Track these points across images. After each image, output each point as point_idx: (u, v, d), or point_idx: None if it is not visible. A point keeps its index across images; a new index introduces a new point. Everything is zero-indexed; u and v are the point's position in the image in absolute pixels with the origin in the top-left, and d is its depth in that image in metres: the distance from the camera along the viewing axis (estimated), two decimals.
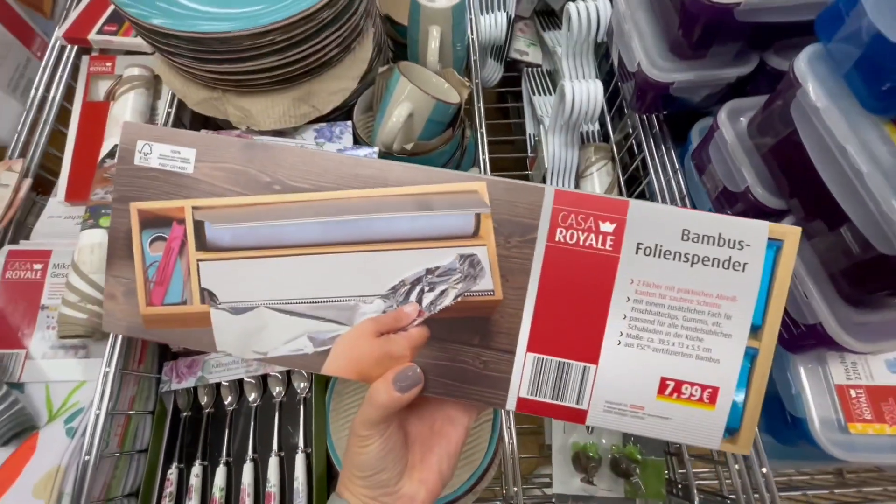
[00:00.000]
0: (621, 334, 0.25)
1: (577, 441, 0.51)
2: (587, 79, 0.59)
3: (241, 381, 0.49)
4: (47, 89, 0.57)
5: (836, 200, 0.34)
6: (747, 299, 0.24)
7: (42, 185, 0.55)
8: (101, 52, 0.58)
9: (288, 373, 0.49)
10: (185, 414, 0.49)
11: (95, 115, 0.54)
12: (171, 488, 0.45)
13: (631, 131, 0.61)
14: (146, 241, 0.28)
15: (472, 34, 0.60)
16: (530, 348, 0.26)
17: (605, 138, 0.68)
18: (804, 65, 0.35)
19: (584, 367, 0.26)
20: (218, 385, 0.49)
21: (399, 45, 0.63)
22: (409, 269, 0.27)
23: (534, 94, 0.74)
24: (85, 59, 0.57)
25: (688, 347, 0.25)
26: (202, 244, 0.28)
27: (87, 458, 0.39)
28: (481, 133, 0.54)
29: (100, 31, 0.56)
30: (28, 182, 0.51)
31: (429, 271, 0.27)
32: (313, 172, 0.27)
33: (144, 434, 0.48)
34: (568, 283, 0.25)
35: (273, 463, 0.45)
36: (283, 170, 0.27)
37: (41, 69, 0.57)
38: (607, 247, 0.25)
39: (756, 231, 0.24)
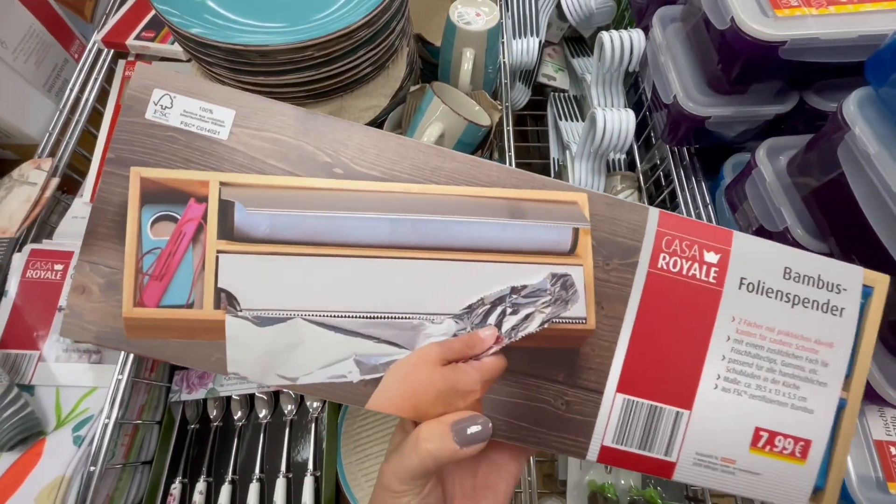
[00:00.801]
0: (719, 377, 0.23)
1: (594, 480, 0.49)
2: (618, 107, 0.58)
3: (251, 396, 0.48)
4: (81, 91, 0.57)
5: (884, 247, 0.33)
6: (844, 346, 0.23)
7: (68, 185, 0.55)
8: (136, 57, 0.59)
9: None
10: (192, 426, 0.48)
11: None
12: (173, 503, 0.44)
13: (659, 162, 0.60)
14: (147, 220, 0.22)
15: (503, 58, 0.60)
16: (621, 388, 0.23)
17: (631, 167, 0.67)
18: (854, 108, 0.34)
19: (677, 412, 0.23)
20: (228, 398, 0.48)
21: (429, 64, 0.63)
22: (492, 286, 0.23)
23: (560, 119, 0.73)
24: (121, 63, 0.58)
25: (784, 395, 0.23)
26: (226, 231, 0.22)
27: (92, 468, 0.38)
28: (510, 156, 0.54)
29: (137, 37, 0.57)
30: (55, 181, 0.52)
31: (514, 290, 0.23)
32: (386, 158, 0.22)
33: (150, 444, 0.46)
34: (667, 315, 0.23)
35: (280, 484, 0.43)
36: (348, 150, 0.22)
37: (77, 71, 0.58)
38: (710, 279, 0.23)
39: (852, 275, 0.23)
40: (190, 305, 0.22)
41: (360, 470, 0.43)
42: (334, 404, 0.46)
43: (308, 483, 0.43)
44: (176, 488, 0.44)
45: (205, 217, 0.22)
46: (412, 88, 0.53)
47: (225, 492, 0.44)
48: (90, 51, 0.59)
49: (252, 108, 0.22)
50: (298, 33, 0.42)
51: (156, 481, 0.45)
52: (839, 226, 0.37)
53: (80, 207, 0.52)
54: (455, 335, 0.22)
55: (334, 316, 0.22)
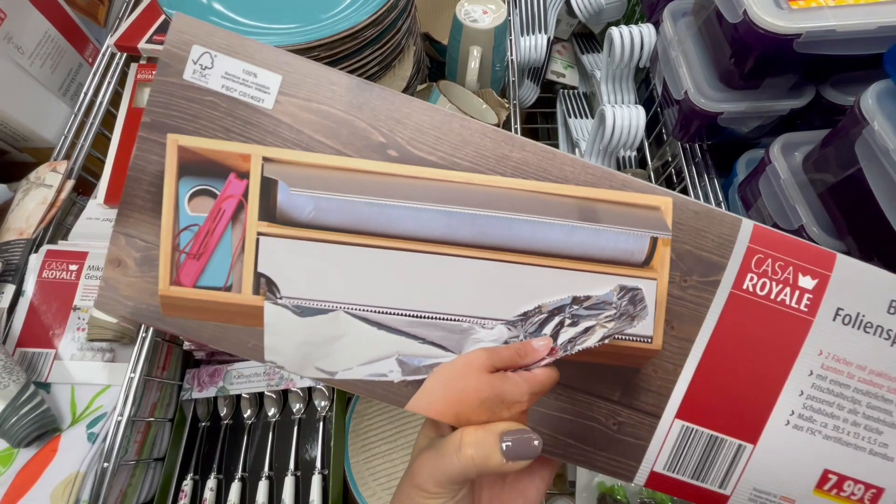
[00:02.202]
0: (792, 413, 0.21)
1: (604, 481, 0.48)
2: (628, 104, 0.57)
3: (261, 395, 0.48)
4: (95, 94, 0.58)
5: None
6: None
7: (82, 187, 0.56)
8: (148, 60, 0.59)
9: (309, 389, 0.48)
10: (203, 424, 0.49)
11: (139, 121, 0.55)
12: (185, 500, 0.45)
13: (670, 159, 0.59)
14: (184, 192, 0.20)
15: (511, 55, 0.60)
16: (681, 414, 0.21)
17: (642, 164, 0.66)
18: (872, 102, 0.33)
19: (739, 445, 0.21)
20: (238, 397, 0.49)
21: (436, 62, 0.63)
22: (551, 294, 0.21)
23: (569, 116, 0.73)
24: (133, 66, 0.59)
25: (863, 439, 0.21)
26: (268, 212, 0.20)
27: (105, 465, 0.39)
28: None
29: (149, 41, 0.58)
30: (70, 183, 0.53)
31: (575, 300, 0.21)
32: (447, 142, 0.20)
33: (163, 442, 0.47)
34: (744, 342, 0.21)
35: (289, 482, 0.43)
36: (406, 130, 0.20)
37: (91, 74, 0.59)
38: (802, 306, 0.21)
39: None
40: (228, 288, 0.20)
41: (367, 469, 0.44)
42: (342, 404, 0.47)
43: (316, 481, 0.43)
44: (187, 485, 0.45)
45: (245, 195, 0.20)
46: (419, 87, 0.53)
47: (235, 489, 0.44)
48: (103, 55, 0.60)
49: (301, 73, 0.20)
50: (305, 34, 0.43)
51: (168, 477, 0.46)
52: (857, 224, 0.36)
53: (94, 209, 0.53)
54: (506, 342, 0.21)
55: (379, 312, 0.21)
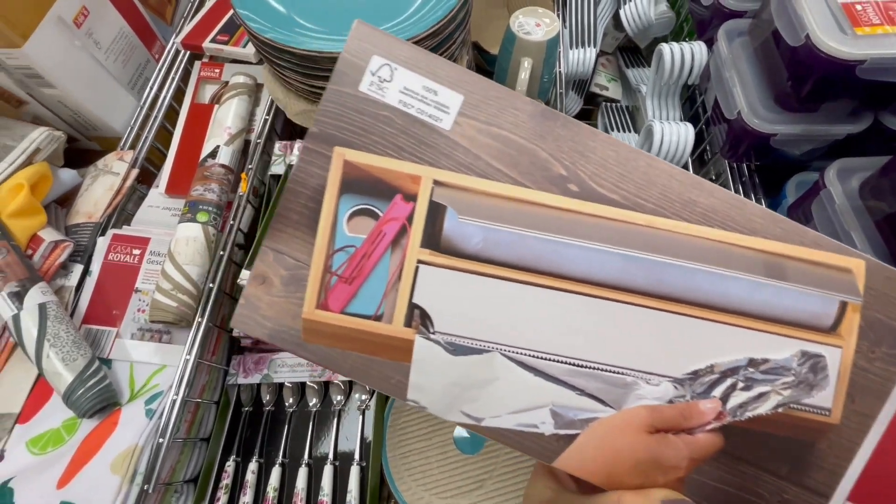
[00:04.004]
0: None
1: None
2: (676, 121, 0.58)
3: (303, 385, 0.50)
4: (160, 89, 0.61)
5: None
6: None
7: (144, 176, 0.59)
8: (210, 58, 0.62)
9: (350, 383, 0.49)
10: (246, 409, 0.51)
11: (200, 116, 0.58)
12: (227, 480, 0.46)
13: (715, 177, 0.59)
14: (344, 211, 0.19)
15: (559, 67, 0.61)
16: (853, 497, 0.19)
17: None
18: None
19: None
20: (281, 385, 0.50)
21: (484, 72, 0.65)
22: (726, 354, 0.19)
23: (610, 129, 0.73)
24: (197, 64, 0.62)
25: None
26: (432, 239, 0.19)
27: (160, 440, 0.41)
28: None
29: (213, 40, 0.60)
30: (135, 172, 0.56)
31: (752, 363, 0.19)
32: (631, 181, 0.19)
33: (208, 423, 0.49)
34: None
35: (328, 471, 0.45)
36: (589, 164, 0.19)
37: (157, 70, 0.62)
38: None
39: None
40: (378, 318, 0.19)
41: (403, 464, 0.45)
42: (382, 397, 0.48)
43: (354, 472, 0.45)
44: (230, 466, 0.47)
45: (410, 218, 0.19)
46: None
47: (275, 473, 0.46)
48: (168, 52, 0.64)
49: (483, 95, 0.19)
50: None
51: (212, 458, 0.48)
52: None
53: (156, 197, 0.56)
54: (670, 401, 0.19)
55: (538, 356, 0.19)
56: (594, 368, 0.19)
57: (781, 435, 0.19)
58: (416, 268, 0.19)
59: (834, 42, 0.37)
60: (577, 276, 0.19)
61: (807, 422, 0.19)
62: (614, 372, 0.19)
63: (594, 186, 0.19)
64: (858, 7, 0.38)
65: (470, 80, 0.19)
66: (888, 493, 0.19)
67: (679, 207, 0.19)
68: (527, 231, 0.19)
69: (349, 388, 0.49)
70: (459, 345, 0.19)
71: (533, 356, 0.19)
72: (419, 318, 0.19)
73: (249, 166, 0.54)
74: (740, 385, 0.19)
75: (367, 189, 0.19)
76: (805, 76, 0.41)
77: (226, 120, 0.54)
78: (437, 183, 0.19)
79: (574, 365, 0.19)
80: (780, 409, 0.19)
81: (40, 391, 0.44)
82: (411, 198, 0.19)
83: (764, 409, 0.19)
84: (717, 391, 0.19)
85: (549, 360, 0.19)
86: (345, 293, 0.20)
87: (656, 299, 0.19)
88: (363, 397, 0.48)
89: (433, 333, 0.19)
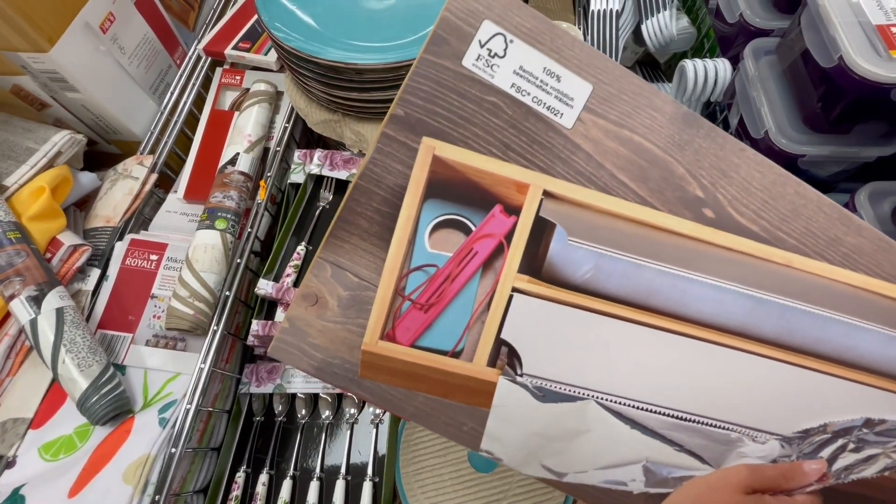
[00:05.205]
0: None
1: None
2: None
3: (316, 396, 0.50)
4: (180, 95, 0.62)
5: None
6: None
7: (162, 181, 0.59)
8: (231, 65, 0.63)
9: None
10: (258, 418, 0.50)
11: (220, 123, 0.58)
12: (237, 491, 0.46)
13: None
14: (428, 220, 0.16)
15: None
16: None
17: None
18: None
19: None
20: (293, 396, 0.50)
21: None
22: (844, 413, 0.17)
23: None
24: (218, 70, 0.62)
25: None
26: (533, 264, 0.16)
27: (173, 450, 0.41)
28: None
29: (235, 47, 0.61)
30: (154, 177, 0.56)
31: (868, 423, 0.17)
32: (775, 210, 0.17)
33: (219, 432, 0.49)
34: None
35: (340, 486, 0.44)
36: (731, 187, 0.16)
37: (178, 76, 0.63)
38: None
39: None
40: (456, 354, 0.16)
41: (416, 481, 0.44)
42: None
43: (367, 488, 0.44)
44: (240, 477, 0.46)
45: (509, 237, 0.15)
46: None
47: (286, 486, 0.45)
48: (190, 58, 0.64)
49: (617, 87, 0.16)
50: (391, 52, 0.44)
51: (222, 468, 0.47)
52: None
53: (174, 203, 0.56)
54: (774, 461, 0.17)
55: (638, 407, 0.16)
56: (699, 422, 0.16)
57: (879, 498, 0.17)
58: (510, 297, 0.16)
59: (869, 64, 0.36)
60: (696, 319, 0.16)
61: None
62: (720, 427, 0.16)
63: (733, 214, 0.16)
64: (894, 29, 0.38)
65: (603, 67, 0.16)
66: None
67: (823, 245, 0.17)
68: (646, 262, 0.16)
69: (362, 401, 0.49)
70: (550, 390, 0.16)
71: (633, 406, 0.16)
72: (506, 356, 0.16)
73: (268, 174, 0.54)
74: (851, 446, 0.17)
75: (458, 195, 0.16)
76: (837, 98, 0.40)
77: (246, 127, 0.54)
78: (546, 194, 0.16)
79: (677, 418, 0.16)
80: (886, 473, 0.16)
81: (54, 396, 0.43)
82: (513, 211, 0.16)
83: (871, 471, 0.16)
84: (826, 452, 0.17)
85: (651, 411, 0.16)
86: (418, 322, 0.16)
87: (780, 350, 0.16)
88: (377, 411, 0.48)
89: (521, 376, 0.16)
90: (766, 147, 0.46)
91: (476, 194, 0.16)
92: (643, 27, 0.68)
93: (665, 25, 0.67)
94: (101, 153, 0.63)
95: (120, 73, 0.57)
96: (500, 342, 0.16)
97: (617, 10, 0.65)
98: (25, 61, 0.50)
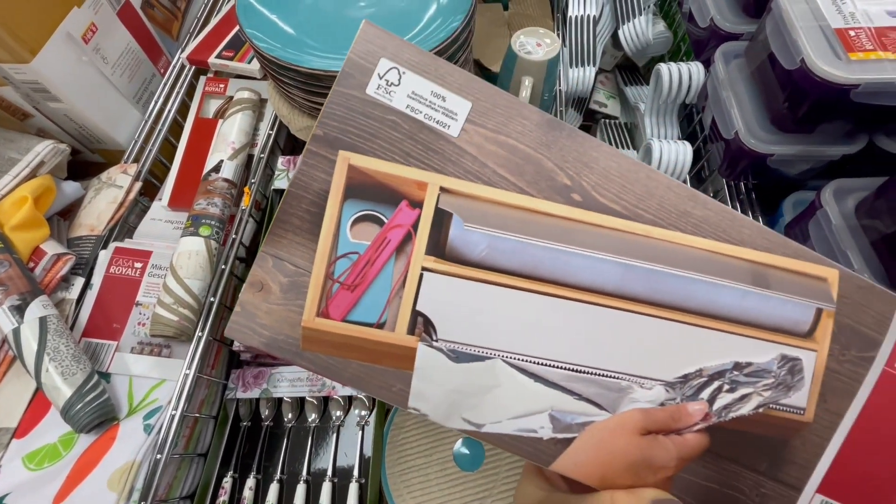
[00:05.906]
0: None
1: None
2: (673, 139, 0.59)
3: (302, 400, 0.50)
4: (164, 103, 0.62)
5: None
6: None
7: (147, 189, 0.59)
8: (215, 73, 0.63)
9: (349, 398, 0.49)
10: (244, 423, 0.50)
11: (204, 131, 0.59)
12: (224, 497, 0.46)
13: (713, 194, 0.60)
14: (348, 216, 0.19)
15: (560, 86, 0.62)
16: (822, 489, 0.20)
17: None
18: None
19: None
20: (280, 400, 0.50)
21: None
22: (714, 358, 0.20)
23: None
24: (202, 79, 0.62)
25: None
26: (437, 247, 0.19)
27: (158, 456, 0.41)
28: None
29: (218, 56, 0.61)
30: (138, 185, 0.56)
31: (737, 366, 0.20)
32: (632, 192, 0.20)
33: (206, 438, 0.49)
34: (894, 420, 0.20)
35: (326, 488, 0.45)
36: (592, 175, 0.20)
37: (162, 85, 0.63)
38: None
39: None
40: (380, 325, 0.19)
41: (402, 481, 0.44)
42: (381, 414, 0.48)
43: (353, 490, 0.44)
44: (227, 482, 0.47)
45: (415, 226, 0.19)
46: None
47: (273, 490, 0.45)
48: (173, 67, 0.65)
49: (492, 102, 0.19)
50: None
51: (209, 474, 0.47)
52: None
53: (158, 210, 0.56)
54: (662, 404, 0.20)
55: (539, 363, 0.19)
56: (593, 373, 0.20)
57: (760, 433, 0.20)
58: (421, 275, 0.19)
59: (829, 66, 0.38)
60: (578, 285, 0.20)
61: (783, 420, 0.20)
62: (611, 377, 0.20)
63: (597, 197, 0.20)
64: (852, 33, 0.39)
65: (478, 87, 0.19)
66: (852, 484, 0.20)
67: (675, 218, 0.20)
68: (531, 240, 0.19)
69: (348, 403, 0.49)
70: (462, 352, 0.19)
71: (534, 362, 0.20)
72: (422, 325, 0.19)
73: (252, 181, 0.55)
74: (726, 387, 0.20)
75: (372, 195, 0.19)
76: (801, 99, 0.42)
77: (230, 134, 0.55)
78: (443, 190, 0.19)
79: (573, 370, 0.20)
80: (760, 410, 0.20)
81: (38, 405, 0.43)
82: (417, 204, 0.19)
83: (746, 409, 0.20)
84: (705, 394, 0.20)
85: (550, 366, 0.20)
86: (347, 301, 0.19)
87: (653, 307, 0.20)
88: (362, 413, 0.48)
89: (436, 341, 0.19)
90: (736, 147, 0.48)
91: (386, 193, 0.19)
92: (620, 32, 0.70)
93: (641, 30, 0.68)
94: (85, 162, 0.63)
95: (103, 82, 0.57)
96: (416, 314, 0.19)
97: (594, 16, 0.66)
98: (7, 72, 0.50)
